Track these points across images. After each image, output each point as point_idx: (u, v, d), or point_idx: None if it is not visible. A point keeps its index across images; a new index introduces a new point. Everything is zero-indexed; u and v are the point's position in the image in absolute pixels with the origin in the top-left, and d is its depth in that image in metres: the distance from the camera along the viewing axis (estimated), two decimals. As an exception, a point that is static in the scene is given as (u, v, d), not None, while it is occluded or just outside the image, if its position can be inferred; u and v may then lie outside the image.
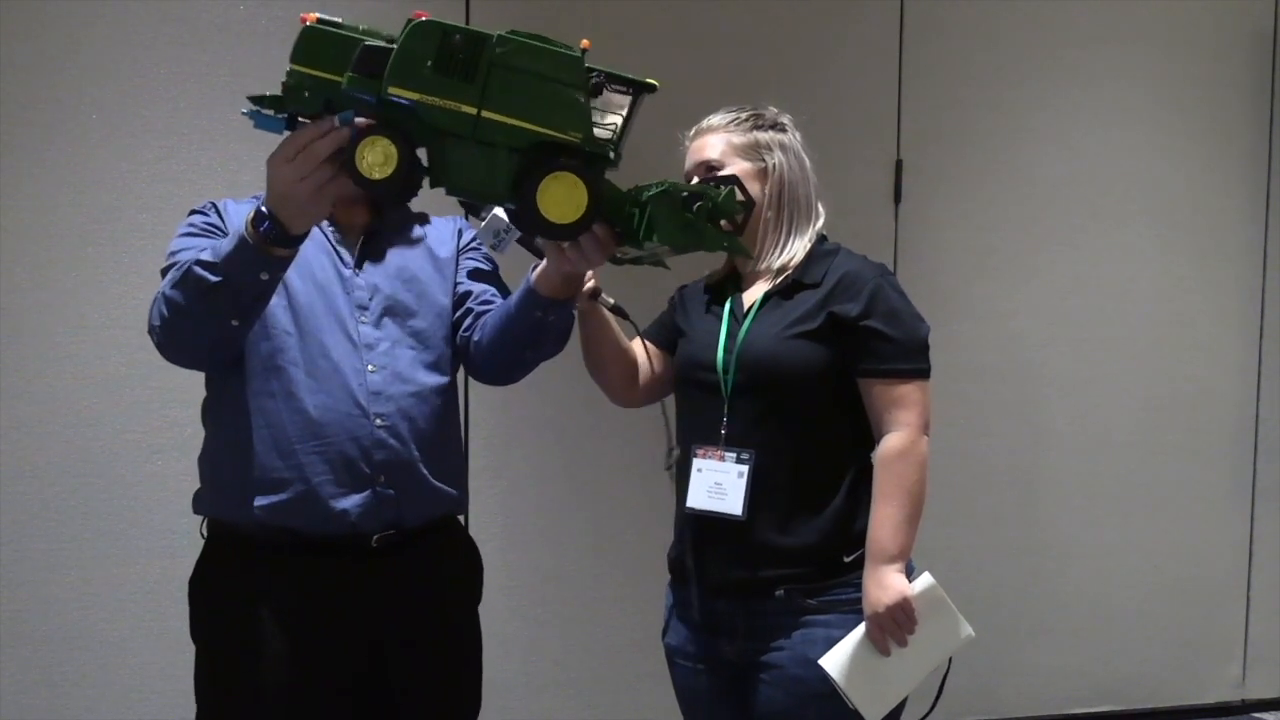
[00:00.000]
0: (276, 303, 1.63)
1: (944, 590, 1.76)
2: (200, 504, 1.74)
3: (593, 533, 2.93)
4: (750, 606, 1.79)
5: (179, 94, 2.62)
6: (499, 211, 1.68)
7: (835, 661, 1.72)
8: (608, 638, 2.98)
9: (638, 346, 1.95)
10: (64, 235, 2.56)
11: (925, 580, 1.75)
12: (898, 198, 3.11)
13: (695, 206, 1.29)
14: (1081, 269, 3.29)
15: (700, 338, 1.89)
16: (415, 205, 1.84)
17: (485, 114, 1.30)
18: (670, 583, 1.92)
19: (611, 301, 1.84)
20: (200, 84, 2.62)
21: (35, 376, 2.58)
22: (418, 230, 1.84)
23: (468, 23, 2.76)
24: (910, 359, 1.77)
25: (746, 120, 1.87)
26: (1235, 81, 3.38)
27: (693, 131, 1.93)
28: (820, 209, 1.90)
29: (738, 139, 1.86)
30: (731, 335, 1.83)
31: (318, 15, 1.36)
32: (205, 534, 1.75)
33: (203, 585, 1.74)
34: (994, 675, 3.15)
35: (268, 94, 1.36)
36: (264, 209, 1.42)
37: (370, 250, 1.76)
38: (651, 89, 1.39)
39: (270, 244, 1.44)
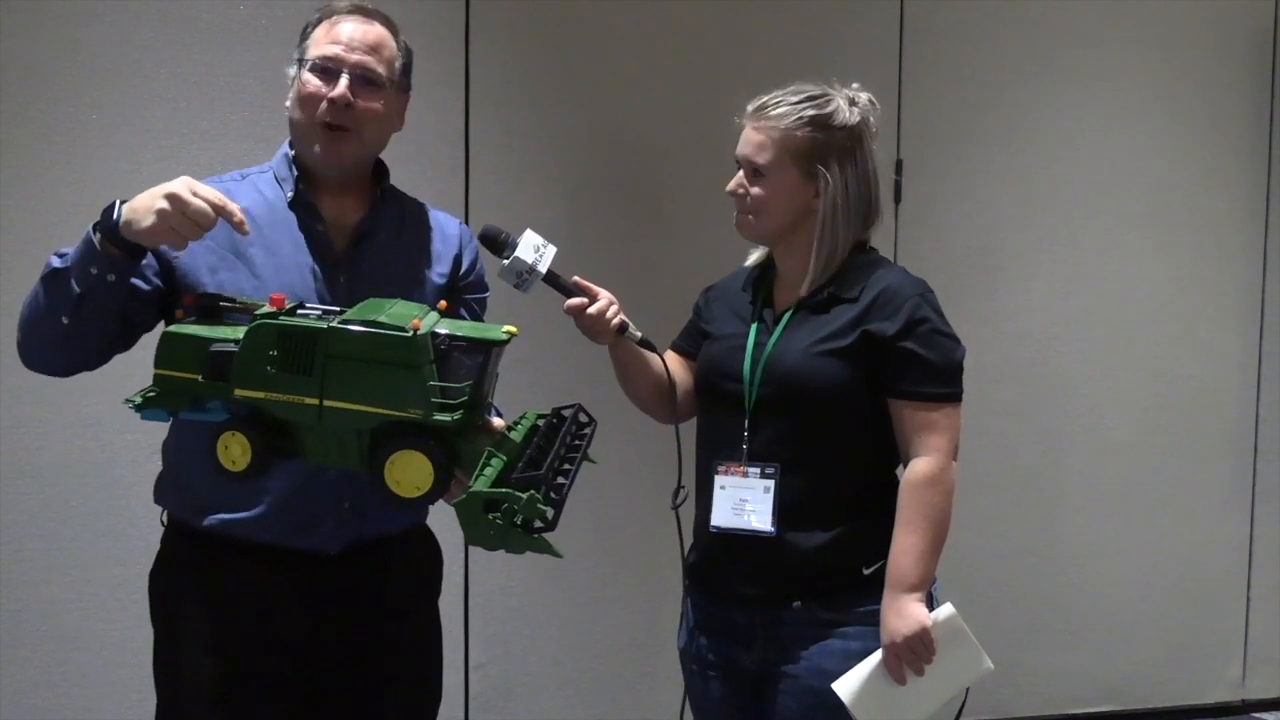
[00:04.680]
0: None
1: (963, 620, 1.72)
2: (162, 496, 1.72)
3: (593, 532, 2.92)
4: (768, 617, 1.76)
5: (179, 94, 2.61)
6: (520, 253, 1.68)
7: (849, 686, 1.69)
8: (608, 638, 2.98)
9: (670, 361, 1.90)
10: (64, 235, 2.54)
11: (946, 610, 1.72)
12: (898, 198, 3.11)
13: (501, 509, 1.28)
14: (1082, 269, 3.29)
15: (725, 343, 1.84)
16: (418, 195, 1.85)
17: (327, 403, 1.32)
18: (686, 589, 1.89)
19: (639, 335, 1.81)
20: (200, 84, 2.62)
21: (35, 376, 2.56)
22: (416, 228, 1.78)
23: (468, 24, 2.78)
24: (944, 383, 1.73)
25: (809, 121, 1.75)
26: (1235, 80, 3.38)
27: (752, 108, 1.80)
28: (880, 215, 1.83)
29: (794, 143, 1.74)
30: (759, 345, 1.79)
31: (196, 294, 1.47)
32: (165, 523, 1.73)
33: (162, 578, 1.72)
34: (994, 675, 3.15)
35: (139, 394, 1.42)
36: (120, 200, 1.44)
37: (360, 253, 1.70)
38: (502, 342, 1.39)
39: (106, 237, 1.45)
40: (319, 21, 1.69)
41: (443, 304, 1.47)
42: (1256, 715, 3.49)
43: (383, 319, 1.33)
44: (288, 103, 1.69)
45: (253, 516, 1.62)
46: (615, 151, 2.93)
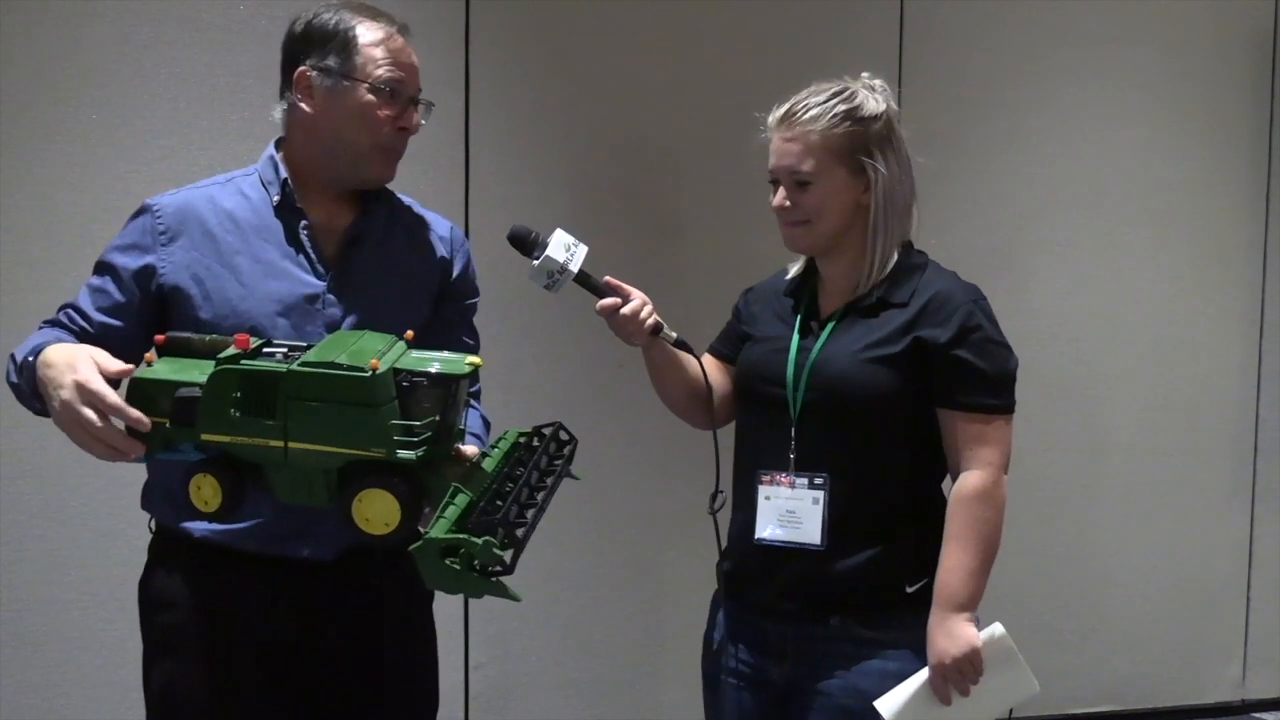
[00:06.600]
0: (240, 326, 1.55)
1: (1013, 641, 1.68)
2: (150, 504, 1.69)
3: (593, 533, 2.92)
4: (803, 631, 1.71)
5: (179, 94, 2.61)
6: (551, 252, 1.66)
7: (891, 704, 1.65)
8: (608, 638, 2.97)
9: (707, 365, 1.84)
10: (64, 235, 2.56)
11: (996, 630, 1.67)
12: (898, 198, 3.11)
13: (459, 553, 1.27)
14: (1082, 269, 3.29)
15: (768, 345, 1.78)
16: (414, 196, 1.84)
17: (292, 445, 1.33)
18: (717, 596, 1.84)
19: (674, 336, 1.77)
20: (200, 84, 2.62)
21: (35, 376, 2.57)
22: (405, 230, 1.74)
23: (468, 24, 2.78)
24: (997, 394, 1.68)
25: (843, 115, 1.70)
26: (1235, 81, 3.38)
27: (776, 118, 1.73)
28: (916, 210, 1.77)
29: (836, 141, 1.69)
30: (804, 350, 1.73)
31: (166, 335, 1.45)
32: (153, 530, 1.70)
33: (153, 587, 1.69)
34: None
35: None
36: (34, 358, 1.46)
37: (351, 259, 1.66)
38: (465, 375, 1.39)
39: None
40: (354, 30, 1.62)
41: (409, 334, 1.45)
42: (1256, 715, 3.49)
43: (342, 359, 1.33)
44: (316, 109, 1.62)
45: (248, 527, 1.60)
46: (616, 151, 2.93)
